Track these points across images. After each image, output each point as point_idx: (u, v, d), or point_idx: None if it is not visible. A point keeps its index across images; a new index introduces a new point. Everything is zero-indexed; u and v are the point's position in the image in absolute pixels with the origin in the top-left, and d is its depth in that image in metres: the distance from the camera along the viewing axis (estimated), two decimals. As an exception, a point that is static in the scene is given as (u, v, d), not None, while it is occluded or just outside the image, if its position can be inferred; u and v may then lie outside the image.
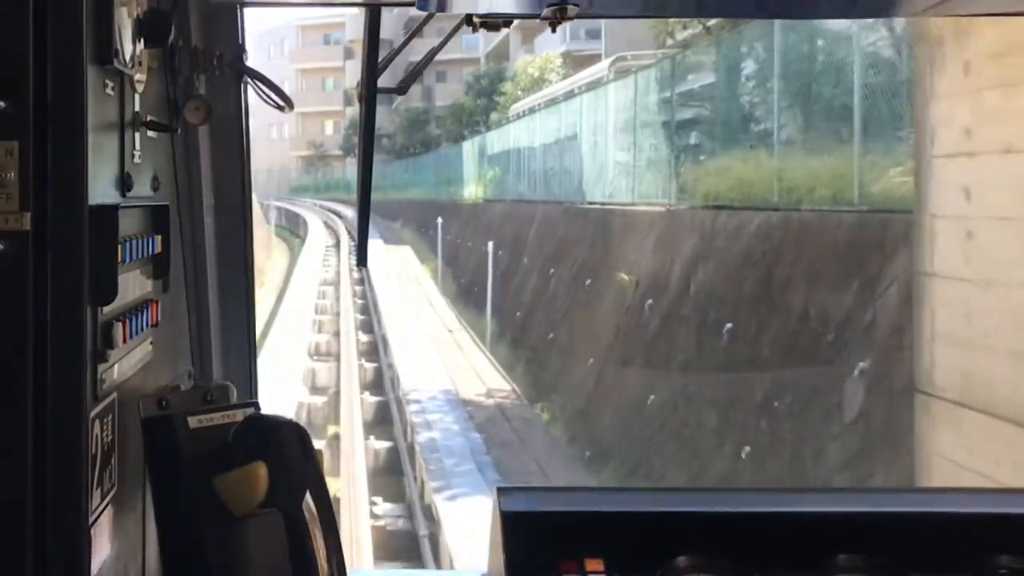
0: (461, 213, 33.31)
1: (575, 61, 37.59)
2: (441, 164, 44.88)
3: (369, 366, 18.44)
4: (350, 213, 45.74)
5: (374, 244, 36.91)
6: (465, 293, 26.52)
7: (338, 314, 23.01)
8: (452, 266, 29.96)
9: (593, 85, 23.49)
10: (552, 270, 19.74)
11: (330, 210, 53.55)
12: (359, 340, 20.40)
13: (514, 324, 20.67)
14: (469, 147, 37.74)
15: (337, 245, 38.86)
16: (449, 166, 41.80)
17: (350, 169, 64.77)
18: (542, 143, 25.84)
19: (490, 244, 20.95)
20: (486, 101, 45.64)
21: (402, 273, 29.99)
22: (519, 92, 38.77)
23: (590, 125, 21.34)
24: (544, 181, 25.02)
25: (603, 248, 16.99)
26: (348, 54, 68.71)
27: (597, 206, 19.13)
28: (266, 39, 76.60)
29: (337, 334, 20.87)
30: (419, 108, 61.30)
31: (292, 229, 49.03)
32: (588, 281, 17.17)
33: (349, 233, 40.77)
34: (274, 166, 73.58)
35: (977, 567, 1.57)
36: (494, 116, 41.58)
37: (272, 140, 74.53)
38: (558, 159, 23.87)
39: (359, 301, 25.42)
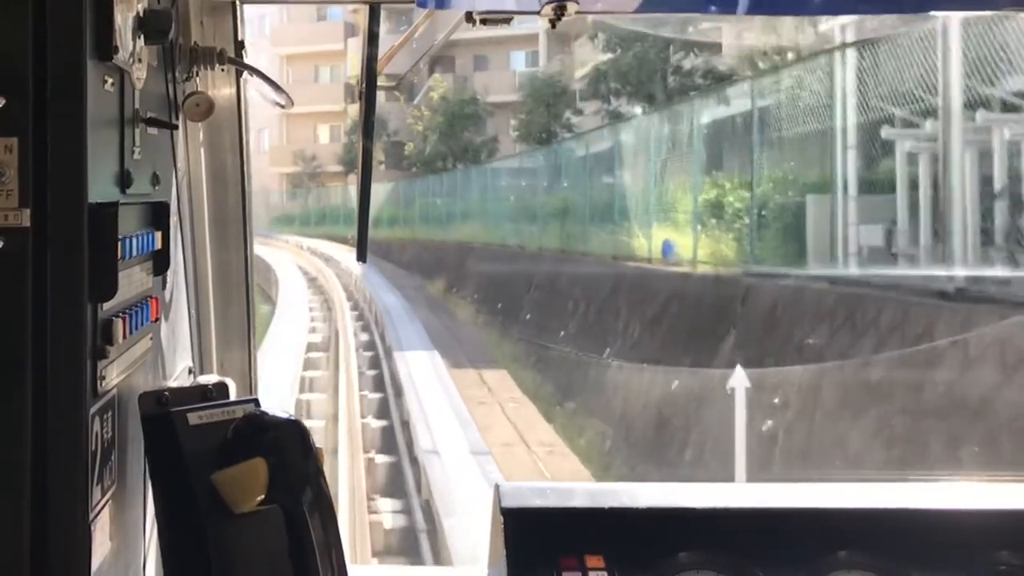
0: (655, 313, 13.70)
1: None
2: (531, 182, 26.10)
3: None
4: (357, 267, 26.06)
5: (408, 368, 17.14)
6: None
7: None
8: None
9: None
10: None
11: (323, 256, 33.95)
12: None
13: None
14: (656, 128, 18.50)
15: (333, 342, 19.38)
16: (555, 184, 23.49)
17: (354, 190, 45.18)
18: None
19: None
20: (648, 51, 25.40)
21: None
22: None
23: None
24: None
25: None
26: (350, 31, 48.86)
27: None
28: (241, 18, 57.17)
29: None
30: (461, 99, 41.88)
31: (261, 285, 30.69)
32: None
33: (359, 310, 21.63)
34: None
35: (977, 562, 1.57)
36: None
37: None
38: None
39: None
